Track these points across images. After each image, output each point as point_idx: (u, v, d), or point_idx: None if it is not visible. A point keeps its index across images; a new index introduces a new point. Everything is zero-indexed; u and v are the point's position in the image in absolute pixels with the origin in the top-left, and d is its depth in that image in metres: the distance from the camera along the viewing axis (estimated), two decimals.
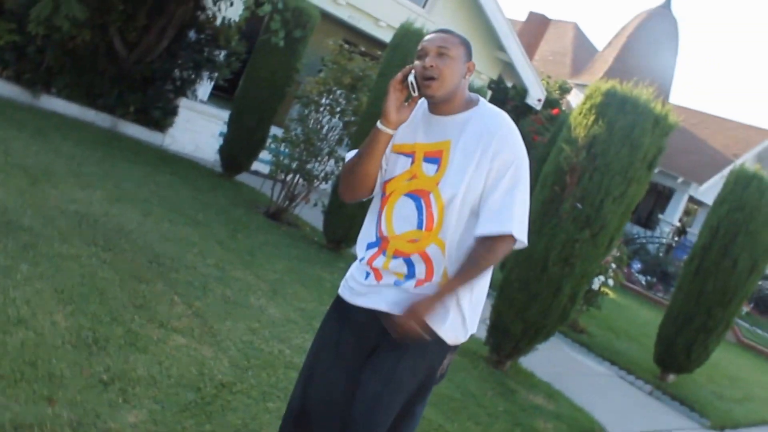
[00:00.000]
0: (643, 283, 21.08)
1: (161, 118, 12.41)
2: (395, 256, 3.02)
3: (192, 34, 12.76)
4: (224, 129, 13.07)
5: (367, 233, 3.18)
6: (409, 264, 3.01)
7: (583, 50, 31.88)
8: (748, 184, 9.78)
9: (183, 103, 12.71)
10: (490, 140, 2.92)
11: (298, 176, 10.03)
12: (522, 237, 2.91)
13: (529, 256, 7.15)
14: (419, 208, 2.99)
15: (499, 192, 2.91)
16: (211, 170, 11.92)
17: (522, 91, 19.57)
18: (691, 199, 29.51)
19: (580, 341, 10.72)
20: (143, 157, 10.51)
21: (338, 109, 9.95)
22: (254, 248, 8.12)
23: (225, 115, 13.14)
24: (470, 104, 3.06)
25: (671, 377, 10.31)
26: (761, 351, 18.21)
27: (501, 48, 18.58)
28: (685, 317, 9.85)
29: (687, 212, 32.96)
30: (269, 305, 6.44)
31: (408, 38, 9.05)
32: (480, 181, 2.92)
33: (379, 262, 3.06)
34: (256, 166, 12.38)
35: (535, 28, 27.13)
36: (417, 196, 3.00)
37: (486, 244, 2.89)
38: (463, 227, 2.97)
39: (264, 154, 11.75)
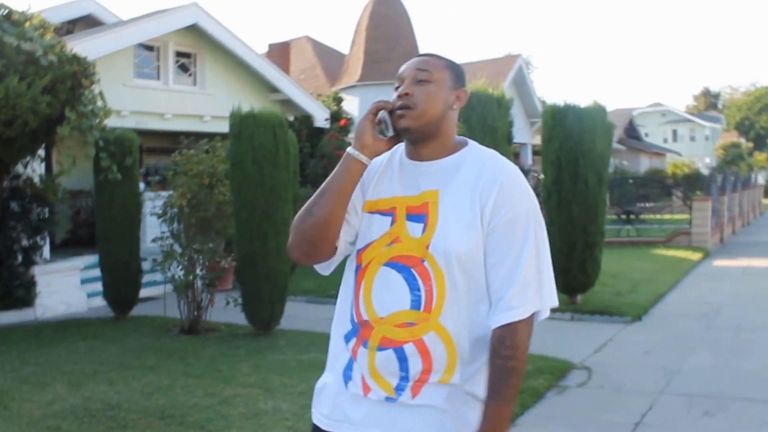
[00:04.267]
0: None
1: (26, 294, 12.32)
2: (381, 347, 2.33)
3: (14, 205, 12.69)
4: (84, 276, 13.17)
5: (340, 322, 2.50)
6: (402, 359, 2.31)
7: (327, 57, 32.76)
8: (565, 116, 11.10)
9: (37, 270, 12.61)
10: (490, 190, 2.32)
11: (199, 283, 10.32)
12: (547, 307, 2.38)
13: None
14: (410, 281, 2.33)
15: (512, 259, 2.30)
16: (103, 318, 11.97)
17: (307, 119, 20.23)
18: None
19: None
20: (38, 340, 10.44)
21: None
22: (209, 365, 8.43)
23: (79, 263, 13.26)
24: (459, 146, 2.47)
25: (579, 298, 11.56)
26: (617, 242, 20.56)
27: (274, 90, 19.23)
28: (569, 244, 11.14)
29: None
30: (281, 402, 6.88)
31: (246, 123, 9.59)
32: (479, 242, 2.31)
33: (362, 359, 2.38)
34: (142, 293, 12.47)
35: (279, 57, 27.82)
36: (404, 266, 2.34)
37: (509, 336, 2.27)
38: (468, 309, 2.34)
39: (145, 278, 12.05)
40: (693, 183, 35.47)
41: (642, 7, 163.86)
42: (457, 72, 2.47)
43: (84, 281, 13.46)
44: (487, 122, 7.88)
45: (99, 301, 12.85)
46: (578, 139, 10.95)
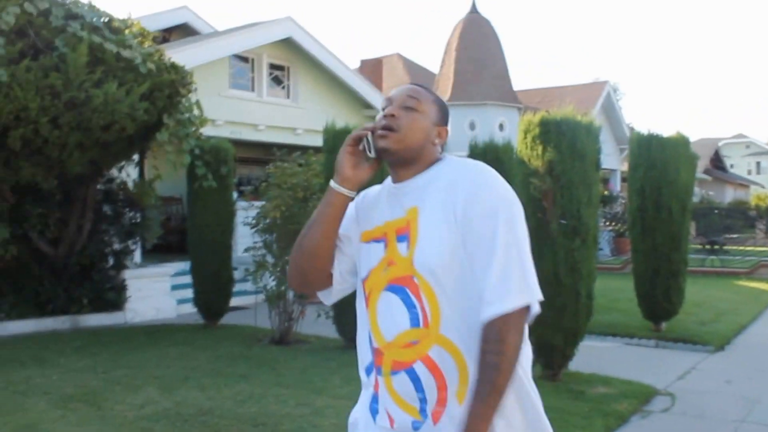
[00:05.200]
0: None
1: (116, 297, 12.47)
2: (395, 371, 2.34)
3: (107, 208, 12.88)
4: (174, 282, 13.28)
5: (361, 354, 2.53)
6: (415, 380, 2.29)
7: (418, 75, 32.76)
8: (650, 145, 11.15)
9: (128, 274, 12.80)
10: (460, 191, 2.29)
11: (291, 294, 10.30)
12: (534, 300, 2.28)
13: (542, 278, 7.64)
14: (406, 300, 2.33)
15: (486, 256, 2.24)
16: (193, 325, 12.05)
17: None
18: None
19: None
20: (129, 343, 10.55)
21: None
22: (301, 375, 8.36)
23: (169, 269, 13.39)
24: (435, 161, 2.47)
25: (663, 325, 11.42)
26: (701, 271, 20.13)
27: (367, 105, 19.31)
28: (652, 271, 11.07)
29: None
30: None
31: (340, 139, 9.53)
32: (459, 245, 2.27)
33: (382, 386, 2.39)
34: (233, 302, 12.48)
35: (371, 73, 27.82)
36: (400, 286, 2.35)
37: (494, 331, 2.18)
38: (466, 314, 2.28)
39: (236, 287, 12.12)
40: None
41: (728, 40, 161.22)
42: (443, 110, 2.50)
43: (174, 287, 13.58)
44: (576, 148, 7.87)
45: (188, 308, 12.99)
46: (662, 167, 10.96)
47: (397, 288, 2.35)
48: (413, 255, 2.31)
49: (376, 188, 2.60)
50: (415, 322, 2.29)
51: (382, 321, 2.37)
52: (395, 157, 2.40)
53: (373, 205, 2.52)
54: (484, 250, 2.23)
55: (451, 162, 2.44)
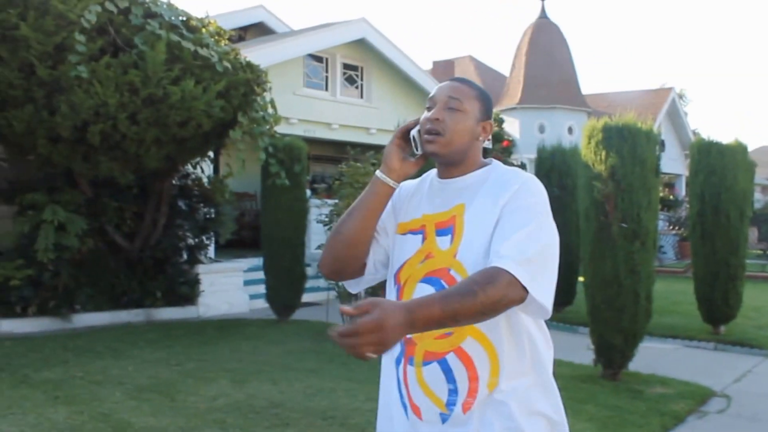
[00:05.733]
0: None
1: (189, 291, 12.67)
2: (426, 362, 2.34)
3: (181, 203, 13.10)
4: (247, 278, 13.44)
5: None
6: (447, 370, 2.31)
7: (488, 78, 32.79)
8: (709, 152, 11.38)
9: (201, 269, 13.00)
10: (505, 193, 2.31)
11: (363, 292, 10.34)
12: (547, 303, 2.21)
13: (603, 279, 8.22)
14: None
15: (513, 227, 2.25)
16: (264, 320, 12.19)
17: None
18: None
19: None
20: (201, 336, 10.72)
21: None
22: (371, 372, 8.30)
23: (242, 264, 13.57)
24: (484, 164, 2.50)
25: (722, 328, 11.57)
26: (761, 276, 20.30)
27: None
28: (711, 275, 11.28)
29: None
30: None
31: None
32: None
33: (411, 378, 2.37)
34: (304, 298, 12.59)
35: (443, 74, 27.90)
36: (436, 278, 2.36)
37: (494, 274, 2.13)
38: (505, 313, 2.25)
39: (308, 283, 12.29)
40: None
41: None
42: (486, 104, 2.49)
43: (246, 283, 13.76)
44: (636, 153, 8.12)
45: (260, 303, 13.13)
46: (721, 174, 11.16)
47: (433, 280, 2.36)
48: (457, 248, 2.33)
49: (413, 181, 2.61)
50: None
51: None
52: (443, 159, 2.44)
53: (412, 198, 2.55)
54: (511, 227, 2.24)
55: (500, 168, 2.47)
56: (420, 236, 2.43)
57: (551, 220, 2.33)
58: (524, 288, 2.14)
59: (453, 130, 2.37)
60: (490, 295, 2.09)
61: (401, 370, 2.41)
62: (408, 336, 2.31)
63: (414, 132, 2.44)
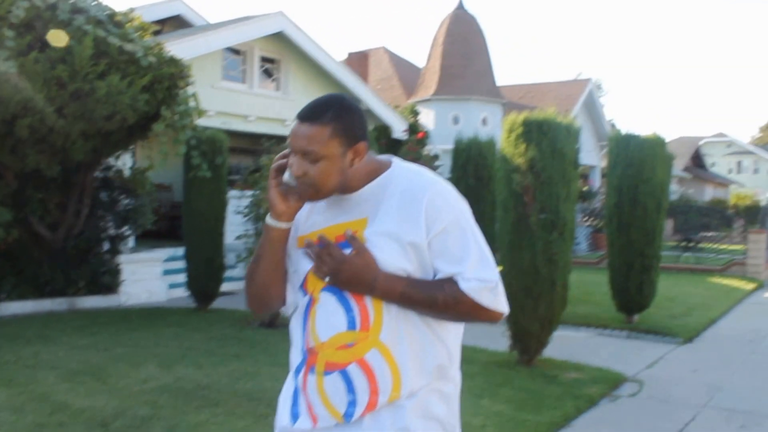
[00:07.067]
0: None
1: (111, 281, 12.96)
2: (327, 372, 2.34)
3: (103, 194, 13.36)
4: (166, 267, 13.77)
5: (294, 353, 2.52)
6: (347, 380, 2.32)
7: (404, 69, 33.22)
8: (627, 144, 11.75)
9: (123, 259, 13.29)
10: (416, 208, 2.30)
11: None
12: (501, 309, 2.37)
13: (520, 268, 8.48)
14: (344, 303, 2.35)
15: (457, 255, 2.32)
16: (185, 308, 12.53)
17: (385, 129, 20.70)
18: None
19: None
20: (126, 324, 11.03)
21: None
22: None
23: (161, 254, 13.90)
24: (380, 170, 2.42)
25: (635, 318, 12.06)
26: (675, 268, 20.99)
27: (355, 99, 19.72)
28: (626, 266, 11.68)
29: None
30: None
31: None
32: (410, 260, 2.31)
33: (311, 386, 2.38)
34: (222, 287, 12.92)
35: (357, 66, 28.24)
36: (338, 289, 2.36)
37: (460, 295, 2.29)
38: (406, 327, 2.34)
39: (226, 273, 12.69)
40: (754, 215, 35.46)
41: (713, 39, 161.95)
42: (347, 130, 2.32)
43: (165, 272, 14.13)
44: (556, 147, 8.35)
45: (178, 292, 13.60)
46: (639, 166, 11.45)
47: (335, 290, 2.36)
48: None
49: None
50: (352, 325, 2.32)
51: (319, 321, 2.37)
52: (328, 197, 2.40)
53: (311, 212, 2.51)
54: (454, 255, 2.31)
55: (401, 172, 2.42)
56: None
57: (471, 220, 2.40)
58: (490, 309, 2.33)
59: (320, 179, 2.30)
60: (450, 312, 2.32)
61: (300, 379, 2.42)
62: (310, 345, 2.39)
63: (287, 176, 2.36)
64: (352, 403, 2.31)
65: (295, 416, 2.42)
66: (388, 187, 2.37)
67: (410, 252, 2.30)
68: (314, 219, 2.48)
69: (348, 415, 2.31)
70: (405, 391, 2.30)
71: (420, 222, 2.28)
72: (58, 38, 9.95)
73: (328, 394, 2.33)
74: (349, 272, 2.29)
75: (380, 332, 2.30)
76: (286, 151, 2.40)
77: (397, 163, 2.45)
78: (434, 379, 2.36)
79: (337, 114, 2.29)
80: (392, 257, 2.30)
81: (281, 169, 2.40)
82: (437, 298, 2.27)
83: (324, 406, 2.34)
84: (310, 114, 2.30)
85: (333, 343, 2.32)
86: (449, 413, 2.41)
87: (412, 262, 2.31)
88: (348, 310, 2.32)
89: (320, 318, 2.36)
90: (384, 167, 2.42)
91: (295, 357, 2.48)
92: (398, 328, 2.31)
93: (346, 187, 2.37)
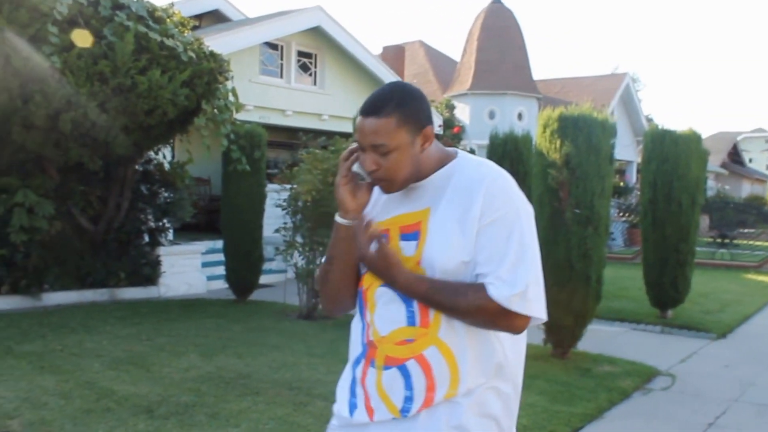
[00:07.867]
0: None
1: (151, 272, 13.19)
2: (386, 366, 2.34)
3: (144, 187, 13.59)
4: (205, 260, 13.97)
5: (354, 345, 2.52)
6: (406, 375, 2.31)
7: (440, 63, 33.25)
8: (663, 140, 11.68)
9: (162, 251, 13.50)
10: (474, 197, 2.28)
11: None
12: (538, 315, 2.28)
13: (555, 263, 8.49)
14: (404, 298, 2.33)
15: (499, 253, 2.26)
16: (224, 300, 12.73)
17: None
18: None
19: None
20: (167, 314, 11.25)
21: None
22: (330, 347, 9.02)
23: (200, 247, 14.11)
24: (447, 159, 2.42)
25: (669, 313, 12.05)
26: (711, 264, 20.89)
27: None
28: (661, 261, 11.66)
29: None
30: None
31: None
32: (470, 251, 2.27)
33: (370, 379, 2.38)
34: (261, 280, 13.14)
35: (393, 60, 28.25)
36: None
37: (484, 304, 2.23)
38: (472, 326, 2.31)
39: (264, 266, 12.87)
40: None
41: (753, 33, 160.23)
42: (412, 115, 2.30)
43: (204, 264, 14.33)
44: (591, 142, 8.36)
45: (217, 284, 13.76)
46: (674, 162, 11.45)
47: None
48: (422, 255, 2.31)
49: None
50: (411, 320, 2.31)
51: (378, 315, 2.37)
52: (404, 187, 2.39)
53: (376, 202, 2.49)
54: (496, 251, 2.25)
55: (465, 163, 2.40)
56: (384, 240, 2.35)
57: (529, 219, 2.34)
58: (521, 314, 2.24)
59: (394, 170, 2.30)
60: (470, 317, 2.26)
61: (359, 370, 2.42)
62: (370, 339, 2.39)
63: (356, 168, 2.39)
64: (408, 399, 2.30)
65: (352, 407, 2.43)
66: (452, 177, 2.36)
67: (470, 244, 2.27)
68: (379, 210, 2.47)
69: (405, 411, 2.31)
70: (462, 388, 2.28)
71: (476, 211, 2.26)
72: (82, 38, 10.13)
73: (386, 388, 2.33)
74: (372, 271, 2.37)
75: (439, 329, 2.29)
76: (353, 146, 2.41)
77: (462, 154, 2.44)
78: (492, 378, 2.34)
79: (399, 103, 2.27)
80: (452, 249, 2.28)
81: (349, 170, 2.41)
82: (459, 304, 2.24)
83: (381, 399, 2.34)
84: (372, 107, 2.28)
85: (392, 338, 2.33)
86: (506, 413, 2.38)
87: (471, 254, 2.28)
88: (408, 305, 2.32)
89: (380, 312, 2.37)
90: (450, 157, 2.42)
91: (355, 348, 2.49)
92: (457, 326, 2.29)
93: (419, 174, 2.36)
